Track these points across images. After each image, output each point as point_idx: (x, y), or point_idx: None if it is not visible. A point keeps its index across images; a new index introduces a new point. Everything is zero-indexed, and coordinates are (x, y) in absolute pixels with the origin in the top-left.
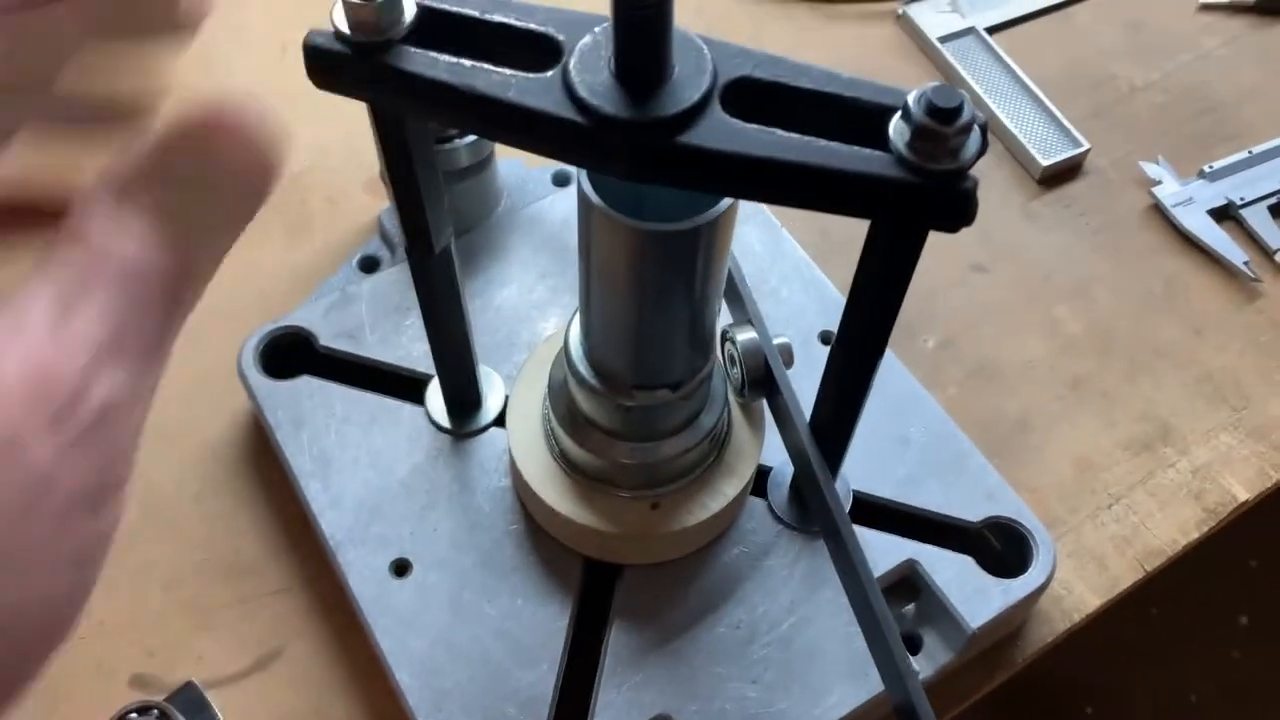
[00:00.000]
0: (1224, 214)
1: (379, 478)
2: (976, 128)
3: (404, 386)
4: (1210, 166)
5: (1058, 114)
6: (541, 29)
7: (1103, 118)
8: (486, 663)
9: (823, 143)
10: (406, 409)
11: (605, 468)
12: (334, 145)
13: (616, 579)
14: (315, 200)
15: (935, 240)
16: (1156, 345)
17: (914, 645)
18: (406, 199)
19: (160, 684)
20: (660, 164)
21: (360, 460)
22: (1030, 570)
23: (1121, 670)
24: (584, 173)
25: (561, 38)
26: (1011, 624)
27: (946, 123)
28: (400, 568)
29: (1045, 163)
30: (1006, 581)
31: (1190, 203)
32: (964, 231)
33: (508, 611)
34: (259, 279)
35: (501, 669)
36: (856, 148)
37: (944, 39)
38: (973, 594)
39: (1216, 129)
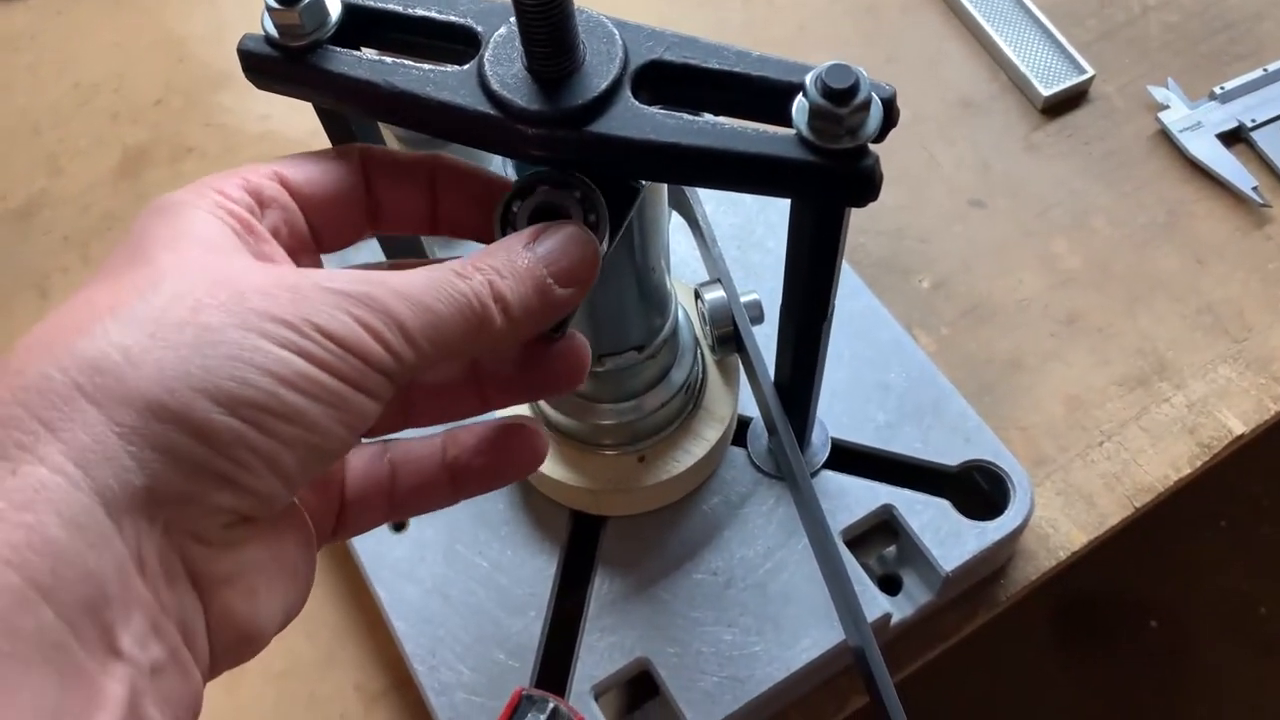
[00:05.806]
0: (1235, 137)
1: None
2: (878, 101)
3: None
4: (1222, 88)
5: (1061, 39)
6: (461, 21)
7: (1111, 40)
8: (478, 611)
9: (729, 125)
10: None
11: (586, 429)
12: None
13: (601, 529)
14: None
15: (933, 178)
16: (1157, 277)
17: (894, 586)
18: None
19: None
20: (573, 153)
21: None
22: (1006, 512)
23: (1187, 583)
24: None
25: (480, 29)
26: (993, 564)
27: (841, 103)
28: (398, 523)
29: (1047, 92)
30: (982, 524)
31: (1198, 127)
32: (963, 167)
33: (498, 563)
34: None
35: (492, 617)
36: (765, 128)
37: None
38: (947, 537)
39: (1230, 47)
